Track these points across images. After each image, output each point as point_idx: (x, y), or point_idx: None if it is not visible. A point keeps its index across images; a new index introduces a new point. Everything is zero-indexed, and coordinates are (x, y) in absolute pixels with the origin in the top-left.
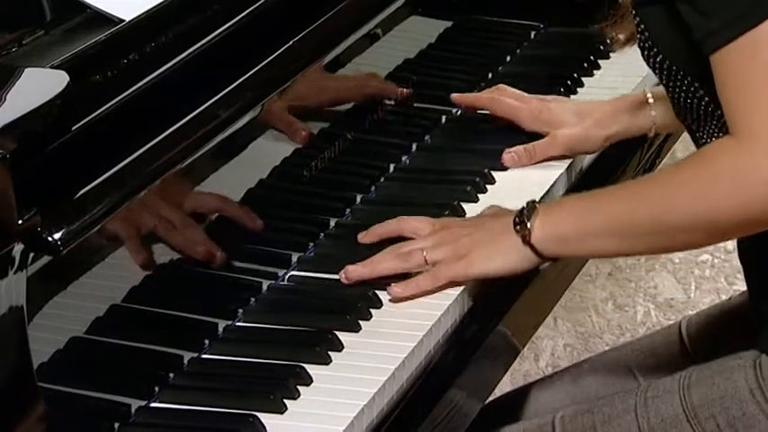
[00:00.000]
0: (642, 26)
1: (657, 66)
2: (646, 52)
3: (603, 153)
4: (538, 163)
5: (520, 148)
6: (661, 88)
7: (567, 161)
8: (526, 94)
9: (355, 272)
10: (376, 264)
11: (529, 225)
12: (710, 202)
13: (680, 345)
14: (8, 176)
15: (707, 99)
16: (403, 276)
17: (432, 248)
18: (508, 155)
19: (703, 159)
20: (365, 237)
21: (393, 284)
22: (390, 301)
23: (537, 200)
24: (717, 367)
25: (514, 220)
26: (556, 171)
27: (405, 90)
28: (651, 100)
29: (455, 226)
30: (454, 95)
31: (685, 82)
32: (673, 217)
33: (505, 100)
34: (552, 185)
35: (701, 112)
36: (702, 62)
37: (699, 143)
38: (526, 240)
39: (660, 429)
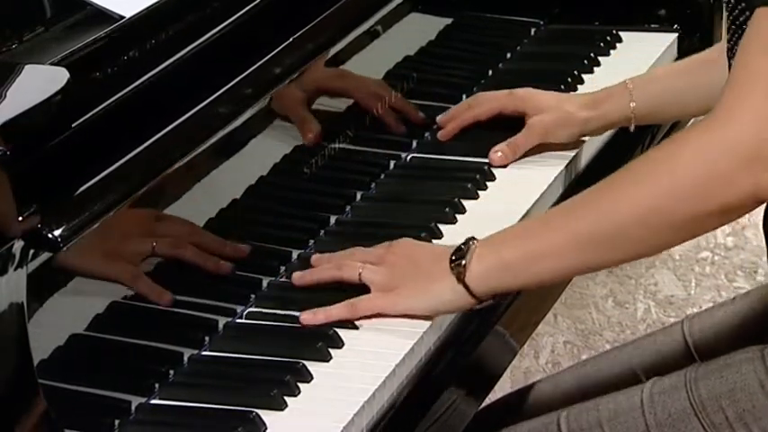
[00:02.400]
0: None
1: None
2: None
3: (602, 151)
4: (537, 161)
5: (502, 145)
6: (638, 76)
7: (567, 159)
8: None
9: (302, 278)
10: (317, 272)
11: (464, 262)
12: (672, 185)
13: (684, 348)
14: (8, 173)
15: None
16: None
17: (369, 267)
18: (495, 155)
19: (669, 146)
20: (300, 280)
21: (303, 314)
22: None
23: (475, 238)
24: (724, 361)
25: (450, 258)
26: (555, 169)
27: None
28: (630, 86)
29: (399, 253)
30: (440, 133)
31: (745, 14)
32: (630, 212)
33: (488, 101)
34: (552, 183)
35: None
36: None
37: None
38: (461, 279)
39: (667, 424)
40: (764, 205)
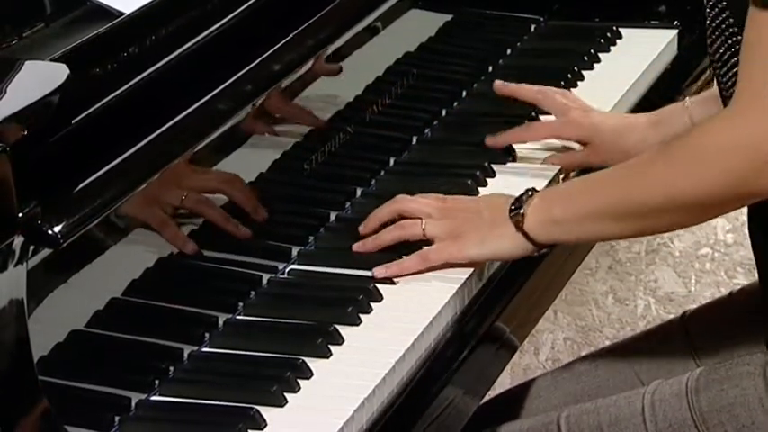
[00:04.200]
0: None
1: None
2: None
3: None
4: (537, 156)
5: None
6: (701, 94)
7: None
8: (570, 94)
9: (360, 247)
10: (380, 235)
11: (522, 211)
12: (697, 178)
13: (681, 340)
14: (8, 169)
15: (737, 38)
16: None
17: (431, 221)
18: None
19: (693, 134)
20: (366, 227)
21: (376, 268)
22: (374, 278)
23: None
24: (725, 372)
25: (510, 207)
26: (556, 165)
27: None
28: (688, 105)
29: (458, 205)
30: (497, 82)
31: (724, 14)
32: (658, 195)
33: (555, 96)
34: (552, 179)
35: (728, 50)
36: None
37: (722, 91)
38: (519, 227)
39: None
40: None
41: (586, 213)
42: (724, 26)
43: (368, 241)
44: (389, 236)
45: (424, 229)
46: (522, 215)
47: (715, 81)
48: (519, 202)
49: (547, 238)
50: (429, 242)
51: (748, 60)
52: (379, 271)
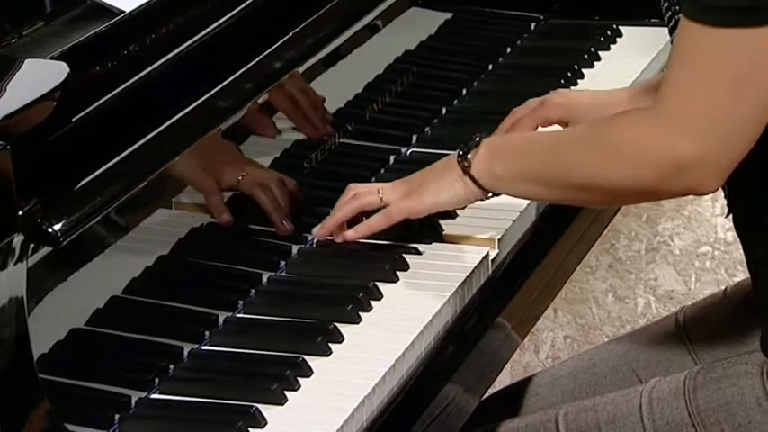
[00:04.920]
0: None
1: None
2: None
3: None
4: None
5: None
6: None
7: None
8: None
9: (322, 229)
10: (335, 212)
11: (470, 156)
12: (609, 170)
13: (678, 337)
14: (9, 167)
15: None
16: None
17: (387, 188)
18: None
19: (615, 125)
20: (321, 230)
21: (346, 231)
22: (342, 242)
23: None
24: (723, 371)
25: (458, 153)
26: None
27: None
28: None
29: (411, 175)
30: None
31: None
32: (576, 175)
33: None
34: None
35: None
36: None
37: None
38: (467, 171)
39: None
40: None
41: (521, 174)
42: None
43: (327, 222)
44: (347, 208)
45: (381, 198)
46: (469, 161)
47: None
48: (466, 147)
49: (489, 187)
50: None
51: (671, 68)
52: (349, 234)
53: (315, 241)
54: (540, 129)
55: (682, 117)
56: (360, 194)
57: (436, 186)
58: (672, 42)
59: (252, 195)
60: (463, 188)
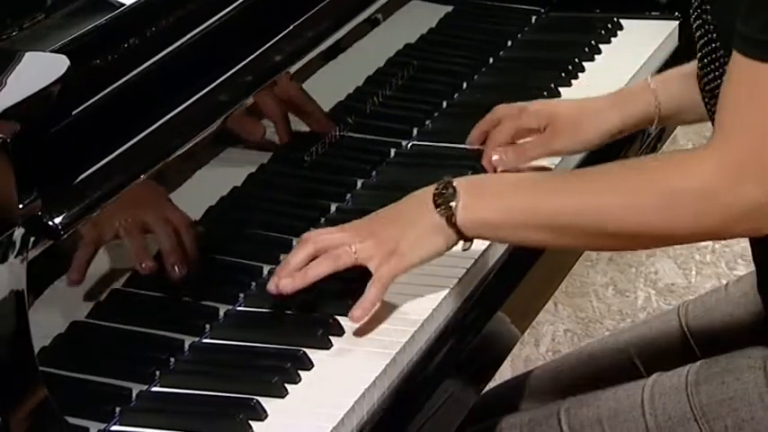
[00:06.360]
0: None
1: (701, 21)
2: (696, 3)
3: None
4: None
5: (508, 147)
6: (663, 74)
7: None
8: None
9: (289, 284)
10: (307, 271)
11: (453, 205)
12: (670, 219)
13: (680, 332)
14: (9, 161)
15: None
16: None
17: (359, 245)
18: (497, 155)
19: (671, 171)
20: (292, 284)
21: (350, 313)
22: (353, 325)
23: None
24: (725, 365)
25: (435, 201)
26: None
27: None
28: (653, 85)
29: (375, 220)
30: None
31: (719, 52)
32: (625, 224)
33: (508, 105)
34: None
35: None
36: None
37: (712, 119)
38: (451, 222)
39: (667, 427)
40: None
41: (525, 221)
42: (715, 55)
43: (297, 276)
44: (321, 268)
45: (356, 256)
46: (453, 211)
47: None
48: (442, 196)
49: (476, 234)
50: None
51: (727, 107)
52: (356, 314)
53: None
54: (518, 143)
55: (751, 162)
56: (336, 255)
57: (414, 240)
58: (698, 39)
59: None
60: (446, 239)
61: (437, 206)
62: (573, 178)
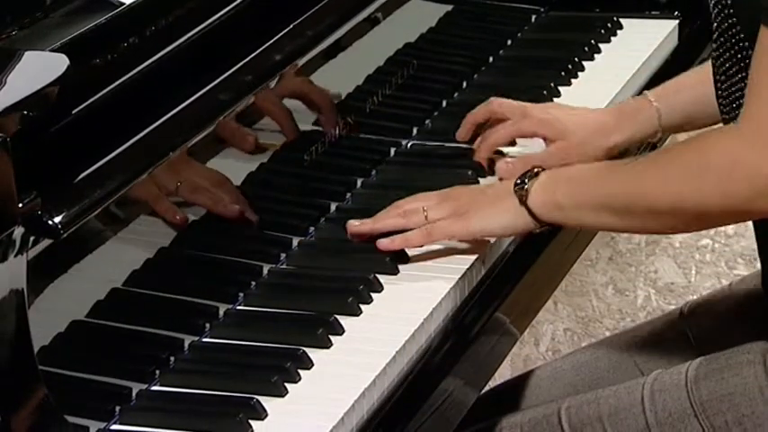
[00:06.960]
0: None
1: (720, 7)
2: None
3: None
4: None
5: (516, 159)
6: (661, 88)
7: None
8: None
9: (358, 227)
10: (378, 220)
11: (527, 187)
12: (699, 191)
13: (682, 332)
14: (8, 160)
15: (748, 53)
16: None
17: (433, 206)
18: (504, 164)
19: (701, 146)
20: (356, 228)
21: (379, 240)
22: (380, 249)
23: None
24: (725, 361)
25: (515, 182)
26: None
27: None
28: (654, 101)
29: (460, 189)
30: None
31: (739, 35)
32: (660, 201)
33: (509, 101)
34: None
35: (736, 64)
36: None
37: (723, 116)
38: (523, 201)
39: (668, 423)
40: None
41: (587, 203)
42: (734, 40)
43: (364, 226)
44: (390, 221)
45: (426, 217)
46: (527, 190)
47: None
48: (524, 177)
49: (548, 217)
50: None
51: (758, 82)
52: (383, 243)
53: (316, 234)
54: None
55: None
56: (407, 213)
57: (487, 212)
58: (714, 18)
59: (194, 202)
60: (515, 217)
61: (515, 185)
62: (632, 162)
